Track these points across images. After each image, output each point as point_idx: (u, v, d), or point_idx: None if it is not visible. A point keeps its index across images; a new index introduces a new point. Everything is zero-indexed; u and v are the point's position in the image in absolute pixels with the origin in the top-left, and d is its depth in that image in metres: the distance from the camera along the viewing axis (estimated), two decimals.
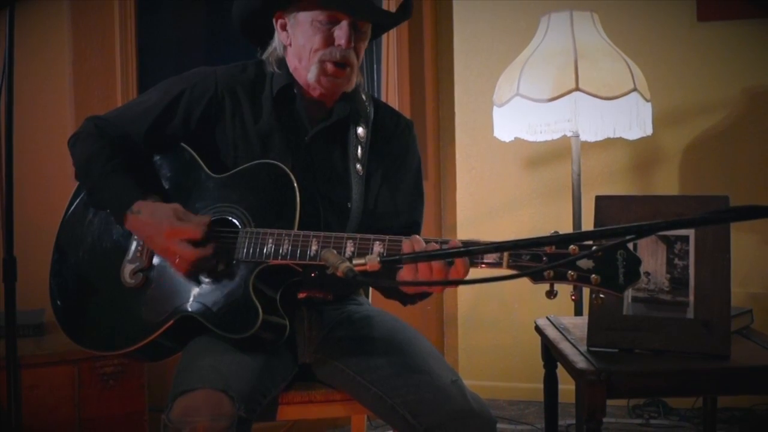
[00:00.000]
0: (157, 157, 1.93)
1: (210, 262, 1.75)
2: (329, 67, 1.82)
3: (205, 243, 1.74)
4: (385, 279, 1.61)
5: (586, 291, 1.49)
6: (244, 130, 1.89)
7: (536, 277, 1.46)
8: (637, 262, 1.44)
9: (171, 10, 3.52)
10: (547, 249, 1.47)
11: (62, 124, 2.88)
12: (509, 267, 1.51)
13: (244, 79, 1.92)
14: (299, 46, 1.86)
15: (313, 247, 1.68)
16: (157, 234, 1.76)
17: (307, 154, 1.90)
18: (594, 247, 1.42)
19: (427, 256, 1.52)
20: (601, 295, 1.46)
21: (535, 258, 1.49)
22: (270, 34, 1.94)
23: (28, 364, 2.48)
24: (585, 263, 1.44)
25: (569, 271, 1.44)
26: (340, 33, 1.80)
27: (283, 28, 1.89)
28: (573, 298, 1.49)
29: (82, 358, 2.56)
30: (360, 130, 1.94)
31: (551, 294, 1.44)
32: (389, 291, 1.86)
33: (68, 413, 2.57)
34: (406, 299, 1.84)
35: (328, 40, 1.82)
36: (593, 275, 1.44)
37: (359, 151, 1.93)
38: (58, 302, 1.92)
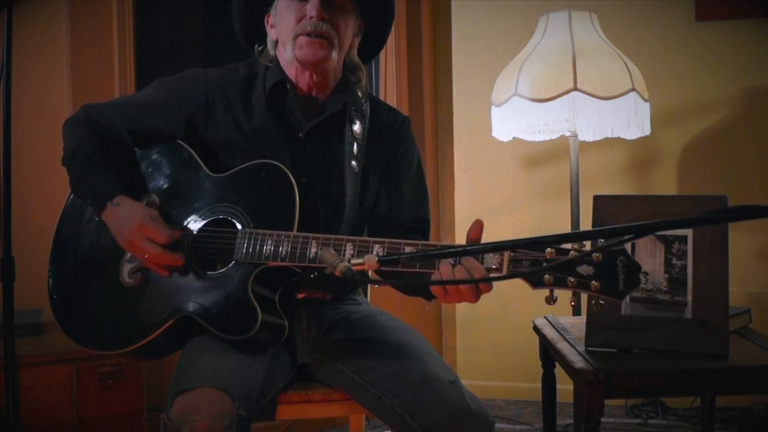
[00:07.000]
0: (155, 155, 1.93)
1: (181, 270, 1.79)
2: (301, 39, 1.84)
3: (172, 250, 1.77)
4: (382, 278, 1.61)
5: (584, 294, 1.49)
6: (239, 129, 1.89)
7: (536, 282, 1.46)
8: (637, 268, 1.43)
9: (169, 11, 3.51)
10: (548, 254, 1.47)
11: (60, 123, 2.86)
12: (509, 273, 1.50)
13: (236, 80, 1.93)
14: (281, 33, 1.89)
15: (313, 249, 1.67)
16: (127, 226, 1.79)
17: (304, 150, 1.90)
18: (594, 253, 1.42)
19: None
20: (601, 302, 1.46)
21: (535, 265, 1.48)
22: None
23: (27, 364, 2.47)
24: (585, 269, 1.43)
25: (569, 278, 1.43)
26: (310, 6, 1.82)
27: (272, 26, 1.92)
28: (572, 303, 1.49)
29: (80, 357, 2.56)
30: (356, 127, 1.94)
31: (551, 300, 1.44)
32: (411, 289, 1.84)
33: (66, 413, 2.57)
34: (431, 294, 1.82)
35: (301, 16, 1.84)
36: (593, 282, 1.43)
37: (355, 148, 1.93)
38: (57, 301, 1.91)
